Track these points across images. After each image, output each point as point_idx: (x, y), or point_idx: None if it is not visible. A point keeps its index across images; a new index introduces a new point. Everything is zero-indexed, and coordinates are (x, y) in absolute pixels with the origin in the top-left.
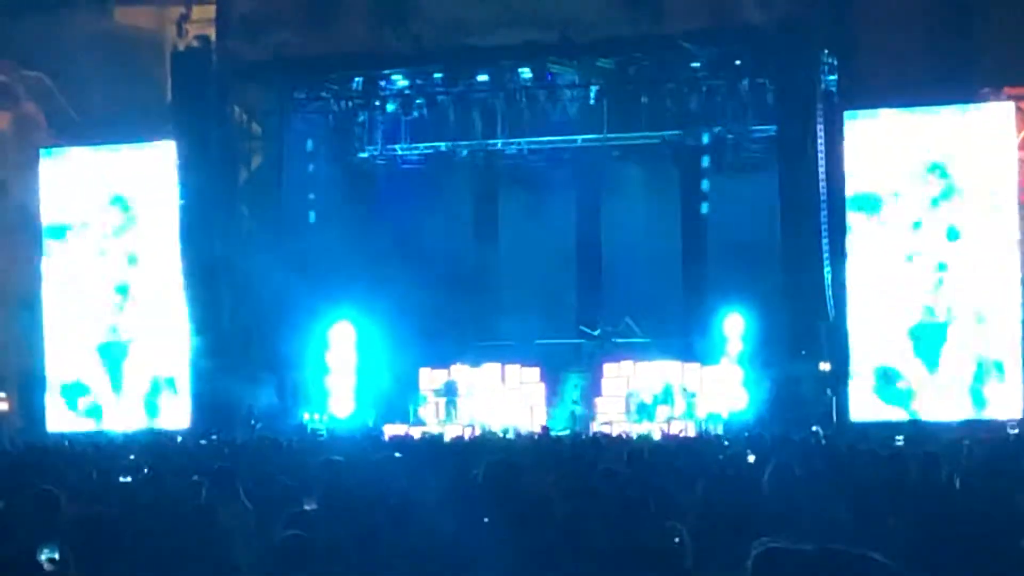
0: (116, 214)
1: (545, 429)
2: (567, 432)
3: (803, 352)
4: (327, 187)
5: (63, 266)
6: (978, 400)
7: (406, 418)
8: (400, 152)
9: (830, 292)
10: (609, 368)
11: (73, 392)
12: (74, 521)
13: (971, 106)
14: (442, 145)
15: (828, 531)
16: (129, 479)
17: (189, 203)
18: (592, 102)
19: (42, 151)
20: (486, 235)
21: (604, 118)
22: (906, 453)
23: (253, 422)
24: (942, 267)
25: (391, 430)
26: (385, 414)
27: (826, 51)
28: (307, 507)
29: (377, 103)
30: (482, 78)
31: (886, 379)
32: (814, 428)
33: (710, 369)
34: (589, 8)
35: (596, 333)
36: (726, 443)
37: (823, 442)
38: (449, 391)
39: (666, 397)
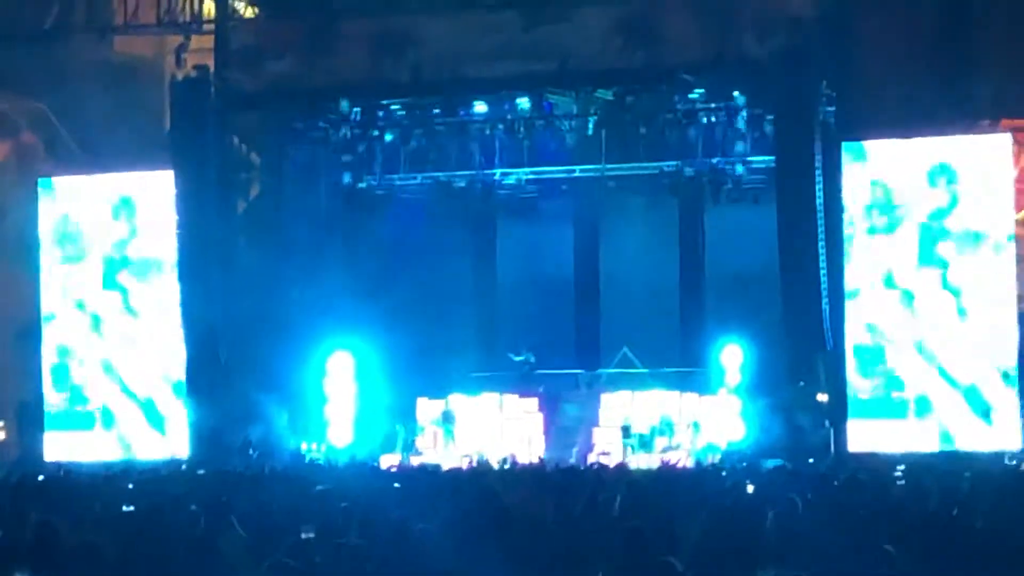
0: (114, 242)
1: (542, 460)
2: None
3: (801, 383)
4: (325, 217)
5: (63, 293)
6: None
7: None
8: (398, 182)
9: (828, 323)
10: (607, 399)
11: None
12: (73, 551)
13: (968, 137)
14: (440, 175)
15: (826, 560)
16: (129, 508)
17: (187, 232)
18: (590, 133)
19: (41, 180)
20: (484, 265)
21: (602, 149)
22: (905, 484)
23: (251, 451)
24: (942, 293)
25: (388, 460)
26: (383, 443)
27: (824, 82)
28: (304, 536)
29: (376, 133)
30: (480, 108)
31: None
32: (810, 460)
33: (708, 400)
34: (588, 39)
35: (520, 359)
36: (724, 474)
37: (820, 472)
38: (447, 421)
39: (664, 428)
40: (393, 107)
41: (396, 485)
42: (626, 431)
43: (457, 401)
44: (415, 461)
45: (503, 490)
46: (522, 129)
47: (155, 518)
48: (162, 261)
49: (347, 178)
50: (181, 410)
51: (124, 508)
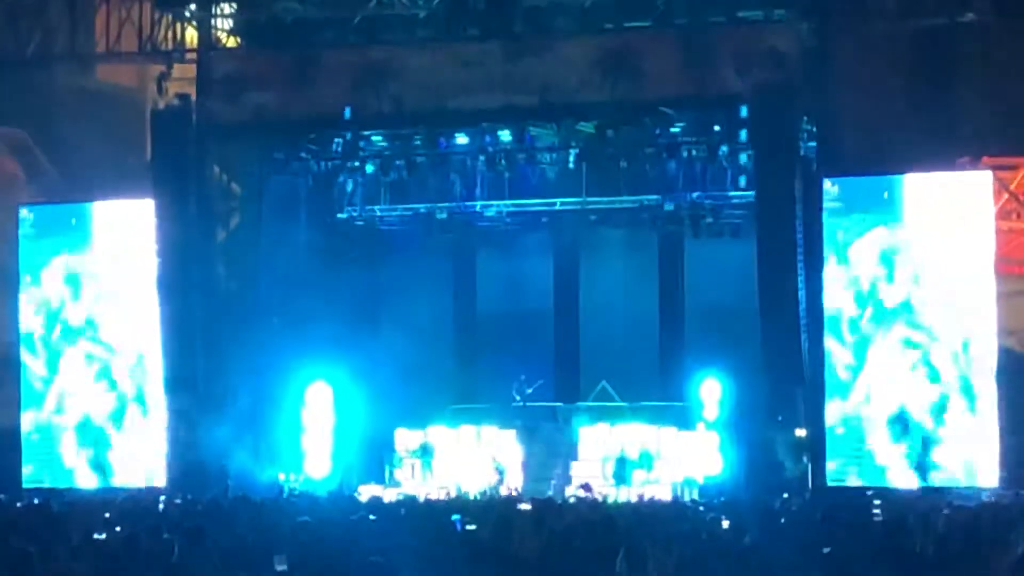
0: (93, 271)
1: (519, 492)
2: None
3: (779, 418)
4: (305, 247)
5: (41, 322)
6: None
7: (381, 479)
8: (379, 213)
9: (807, 358)
10: (585, 432)
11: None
12: None
13: (949, 174)
14: (421, 207)
15: None
16: (103, 536)
17: (166, 261)
18: (571, 166)
19: (20, 207)
20: (464, 297)
21: (583, 182)
22: (883, 520)
23: (227, 481)
24: (920, 329)
25: (366, 491)
26: (360, 475)
27: (805, 118)
28: (279, 568)
29: (356, 164)
30: (462, 140)
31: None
32: (785, 495)
33: (686, 434)
34: (569, 72)
35: (527, 391)
36: (701, 508)
37: (793, 508)
38: (425, 452)
39: (642, 461)
40: (374, 138)
41: (372, 517)
42: (604, 464)
43: (436, 433)
44: (393, 493)
45: (481, 522)
46: (503, 161)
47: (131, 547)
48: (141, 291)
49: (328, 209)
50: (159, 438)
51: (100, 536)
